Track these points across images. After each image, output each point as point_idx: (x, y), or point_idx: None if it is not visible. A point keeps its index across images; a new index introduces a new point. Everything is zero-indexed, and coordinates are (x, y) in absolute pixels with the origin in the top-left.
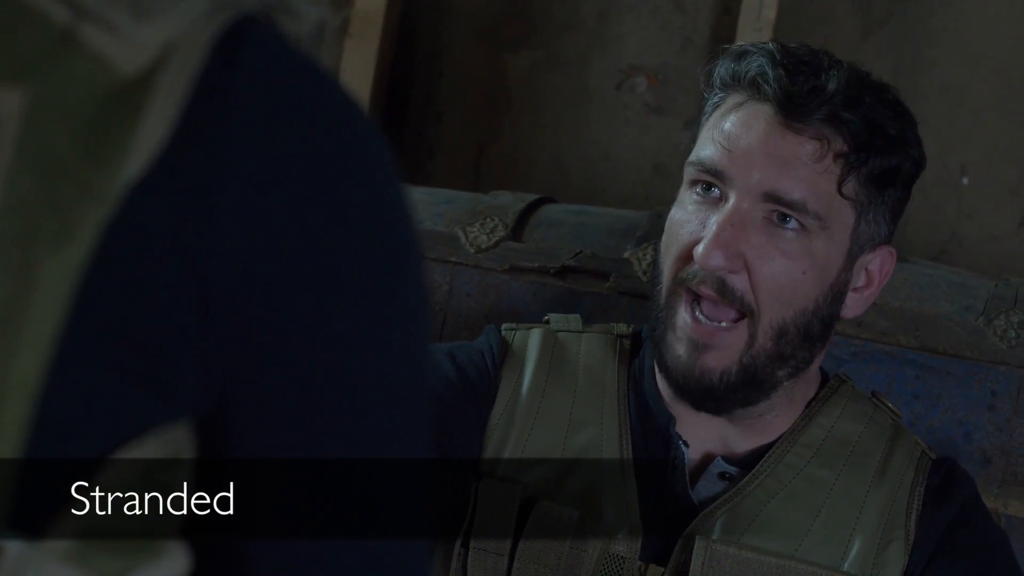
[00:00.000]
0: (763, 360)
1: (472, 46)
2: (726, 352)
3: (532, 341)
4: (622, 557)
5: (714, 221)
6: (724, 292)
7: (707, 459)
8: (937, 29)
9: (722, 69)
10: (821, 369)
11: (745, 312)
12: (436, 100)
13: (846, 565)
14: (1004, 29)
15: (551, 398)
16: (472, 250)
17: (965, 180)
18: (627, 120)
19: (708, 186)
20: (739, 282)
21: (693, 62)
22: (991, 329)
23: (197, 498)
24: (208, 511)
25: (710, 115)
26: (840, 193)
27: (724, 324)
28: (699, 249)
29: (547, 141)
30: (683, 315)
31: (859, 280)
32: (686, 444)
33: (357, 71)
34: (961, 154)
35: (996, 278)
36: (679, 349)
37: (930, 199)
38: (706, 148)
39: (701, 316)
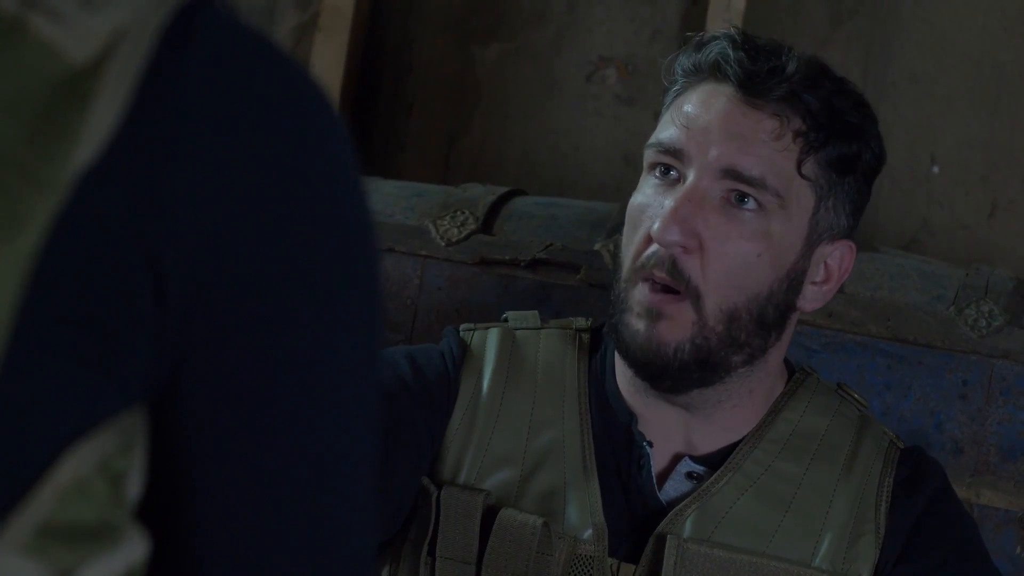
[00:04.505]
0: (715, 343)
1: (441, 39)
2: (678, 324)
3: (490, 341)
4: (591, 557)
5: (671, 199)
6: (674, 274)
7: (675, 460)
8: (906, 18)
9: (683, 59)
10: (788, 363)
11: (690, 295)
12: (406, 93)
13: (817, 560)
14: (973, 18)
15: (510, 400)
16: (443, 243)
17: (935, 169)
18: (597, 112)
19: (667, 168)
20: (690, 264)
21: (663, 53)
22: (962, 318)
23: (150, 481)
24: (160, 494)
25: (670, 103)
26: (800, 173)
27: (671, 294)
28: (656, 225)
29: (517, 133)
30: (640, 290)
31: (818, 274)
32: (650, 444)
33: (327, 64)
34: (931, 143)
35: (967, 267)
36: (637, 324)
37: (900, 188)
38: (665, 130)
39: (658, 287)
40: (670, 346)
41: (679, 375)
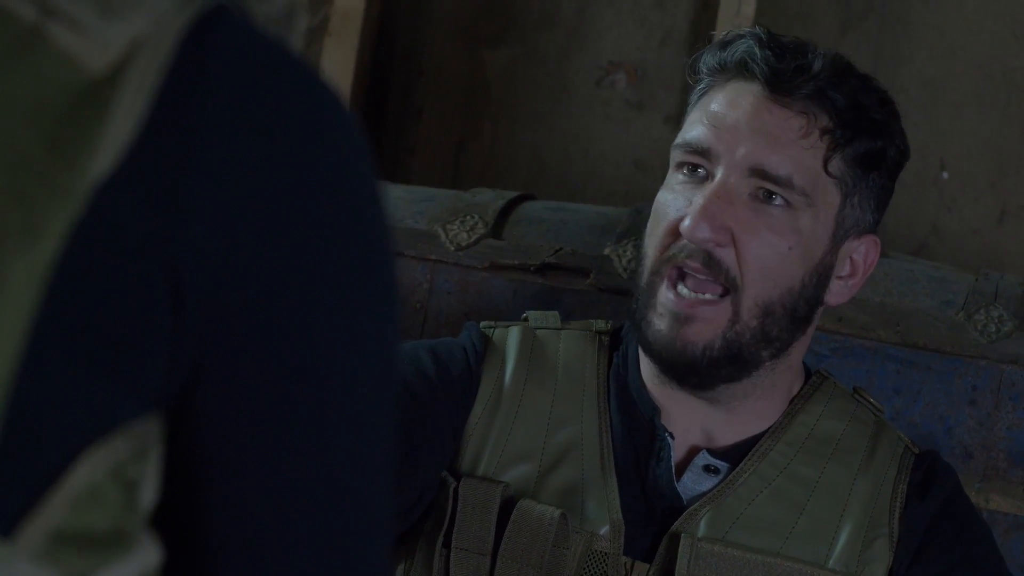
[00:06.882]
0: (748, 338)
1: (451, 43)
2: (708, 325)
3: (511, 339)
4: (605, 553)
5: (700, 196)
6: (711, 265)
7: (692, 452)
8: (916, 23)
9: (708, 57)
10: (805, 364)
11: (729, 287)
12: (416, 98)
13: (831, 562)
14: (982, 23)
15: (531, 396)
16: (452, 248)
17: (945, 174)
18: (607, 116)
19: (695, 168)
20: (726, 256)
21: (673, 58)
22: (971, 324)
23: (164, 488)
24: (176, 502)
25: (696, 102)
26: (826, 171)
27: (708, 296)
28: (686, 222)
29: (527, 138)
30: (664, 292)
31: (844, 268)
32: (671, 436)
33: (337, 69)
34: (941, 148)
35: (976, 272)
36: (660, 324)
37: (910, 193)
38: (692, 129)
39: (684, 290)
40: (698, 346)
41: (707, 371)
